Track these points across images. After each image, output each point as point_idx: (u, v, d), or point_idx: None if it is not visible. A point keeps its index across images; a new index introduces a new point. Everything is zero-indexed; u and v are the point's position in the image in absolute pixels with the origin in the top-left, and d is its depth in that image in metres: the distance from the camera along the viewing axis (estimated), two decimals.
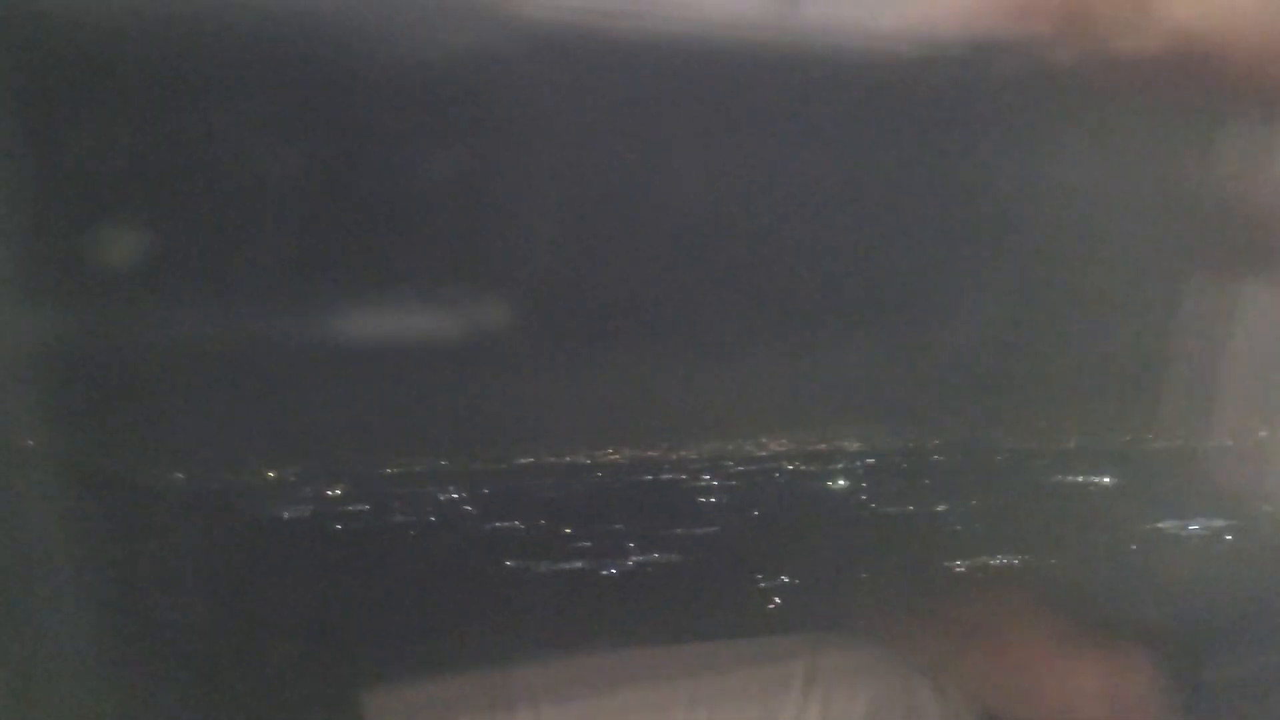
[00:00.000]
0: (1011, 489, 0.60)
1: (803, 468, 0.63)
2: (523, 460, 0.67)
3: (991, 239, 0.63)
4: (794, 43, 0.57)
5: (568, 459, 0.71)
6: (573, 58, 0.54)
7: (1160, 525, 0.59)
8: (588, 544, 0.52)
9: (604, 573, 0.50)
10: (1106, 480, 0.61)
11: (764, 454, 0.74)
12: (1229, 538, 0.57)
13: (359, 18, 0.50)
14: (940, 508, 0.59)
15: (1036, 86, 0.57)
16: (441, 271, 0.57)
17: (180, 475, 0.55)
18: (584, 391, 0.64)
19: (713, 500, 0.56)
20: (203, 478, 0.54)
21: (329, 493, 0.52)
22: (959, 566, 0.57)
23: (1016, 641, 0.53)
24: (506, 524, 0.52)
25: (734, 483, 0.61)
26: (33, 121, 0.48)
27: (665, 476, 0.63)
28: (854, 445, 0.71)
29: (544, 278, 0.59)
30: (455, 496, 0.54)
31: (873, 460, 0.64)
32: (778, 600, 0.53)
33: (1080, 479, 0.61)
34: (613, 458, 0.71)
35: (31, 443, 0.51)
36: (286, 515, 0.51)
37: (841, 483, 0.59)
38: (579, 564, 0.50)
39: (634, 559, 0.53)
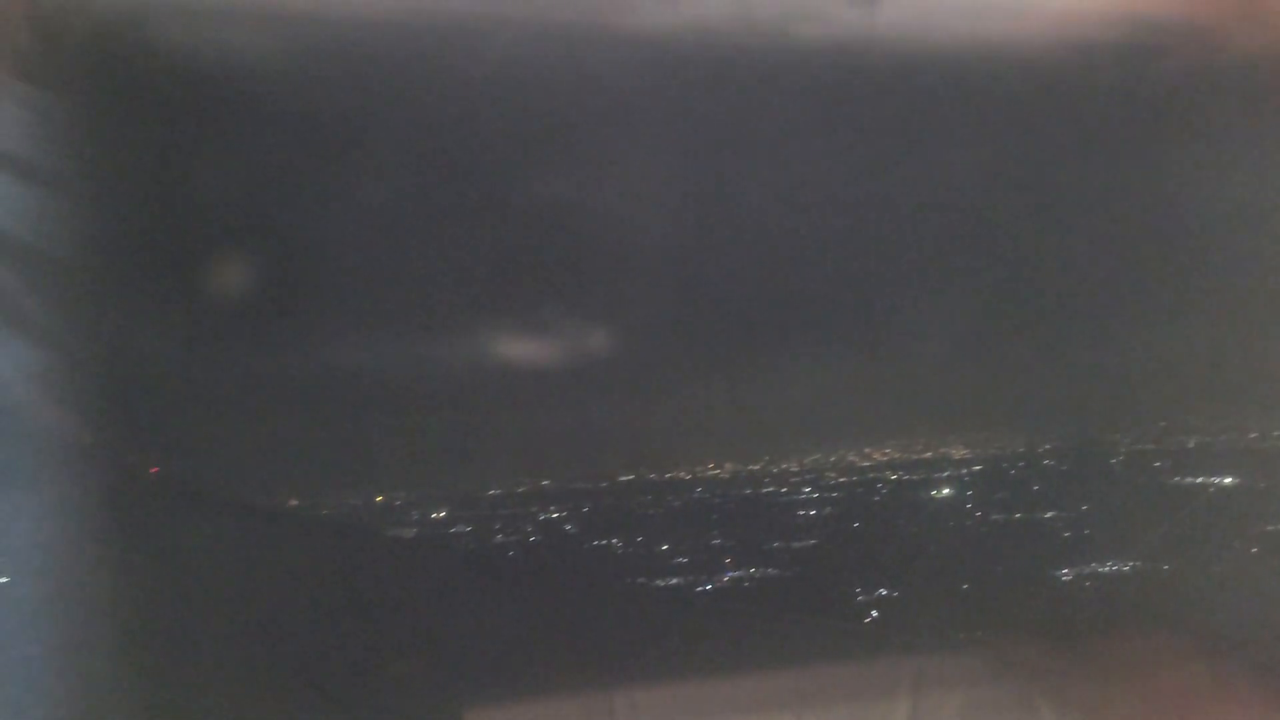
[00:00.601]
0: (1127, 492, 0.58)
1: (906, 477, 0.62)
2: (624, 478, 0.67)
3: (1123, 241, 0.61)
4: (926, 52, 0.56)
5: (668, 475, 0.71)
6: (679, 79, 0.54)
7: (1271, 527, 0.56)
8: (684, 560, 0.52)
9: (699, 589, 0.50)
10: (1228, 480, 0.58)
11: (867, 464, 0.73)
12: None
13: (467, 51, 0.50)
14: (1049, 514, 0.57)
15: (1202, 88, 0.55)
16: (545, 298, 0.58)
17: (294, 500, 0.57)
18: (685, 408, 0.64)
19: (812, 513, 0.55)
20: (316, 503, 0.56)
21: (434, 515, 0.54)
22: (1065, 575, 0.55)
23: (1128, 654, 0.51)
24: (605, 542, 0.52)
25: (835, 494, 0.60)
26: (170, 158, 0.50)
27: (766, 490, 0.62)
28: (960, 452, 0.69)
29: (646, 299, 0.59)
30: (556, 516, 0.54)
31: (980, 467, 0.62)
32: (875, 613, 0.52)
33: (1200, 480, 0.58)
34: (714, 472, 0.71)
35: (156, 470, 0.53)
36: (392, 537, 0.53)
37: (946, 491, 0.57)
38: (676, 580, 0.50)
39: (730, 574, 0.52)
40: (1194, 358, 0.62)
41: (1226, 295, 0.60)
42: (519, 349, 0.59)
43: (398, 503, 0.60)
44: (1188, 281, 0.62)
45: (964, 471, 0.65)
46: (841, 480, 0.65)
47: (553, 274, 0.59)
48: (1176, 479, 0.62)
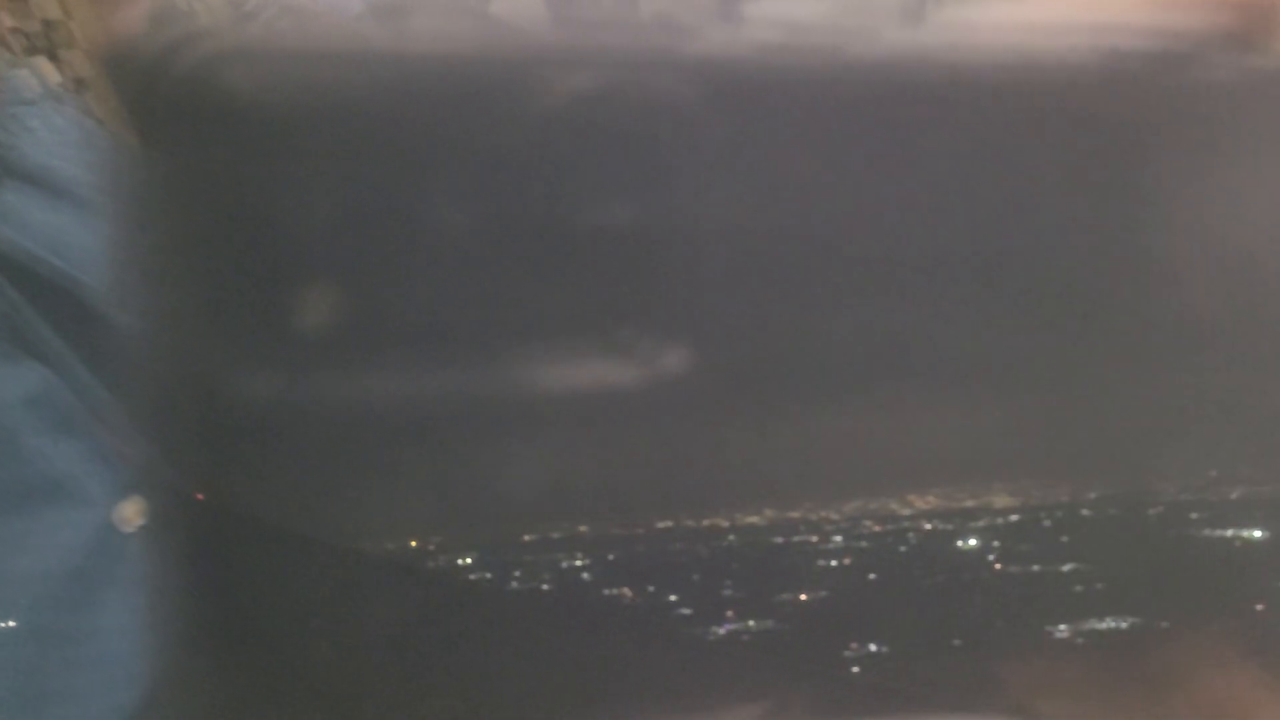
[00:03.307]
0: (1155, 545, 0.54)
1: (940, 527, 0.60)
2: (661, 524, 0.67)
3: (1186, 275, 0.58)
4: (973, 70, 0.55)
5: (705, 522, 0.71)
6: (738, 102, 0.56)
7: None
8: (688, 611, 0.52)
9: (692, 643, 0.50)
10: (1257, 534, 0.53)
11: (906, 512, 0.69)
12: None
13: (538, 81, 0.53)
14: (1067, 568, 0.54)
15: (1232, 100, 0.53)
16: (587, 338, 0.60)
17: (336, 535, 0.60)
18: (727, 453, 0.64)
19: (833, 563, 0.55)
20: (347, 545, 0.59)
21: (460, 560, 0.56)
22: (1062, 631, 0.52)
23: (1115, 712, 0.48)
24: (616, 592, 0.53)
25: (864, 544, 0.59)
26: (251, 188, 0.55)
27: (795, 539, 0.61)
28: (1004, 500, 0.65)
29: (692, 338, 0.60)
30: (576, 564, 0.56)
31: (1016, 517, 0.59)
32: (855, 669, 0.51)
33: (1229, 533, 0.54)
34: (750, 519, 0.70)
35: (202, 497, 0.58)
36: (412, 585, 0.55)
37: (973, 542, 0.55)
38: (672, 633, 0.51)
39: (728, 627, 0.52)
40: (1250, 402, 0.57)
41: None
42: (556, 390, 0.61)
43: (430, 548, 0.63)
44: (1245, 319, 0.57)
45: (999, 521, 0.62)
46: (875, 529, 0.63)
47: (612, 309, 0.60)
48: (1207, 532, 0.58)
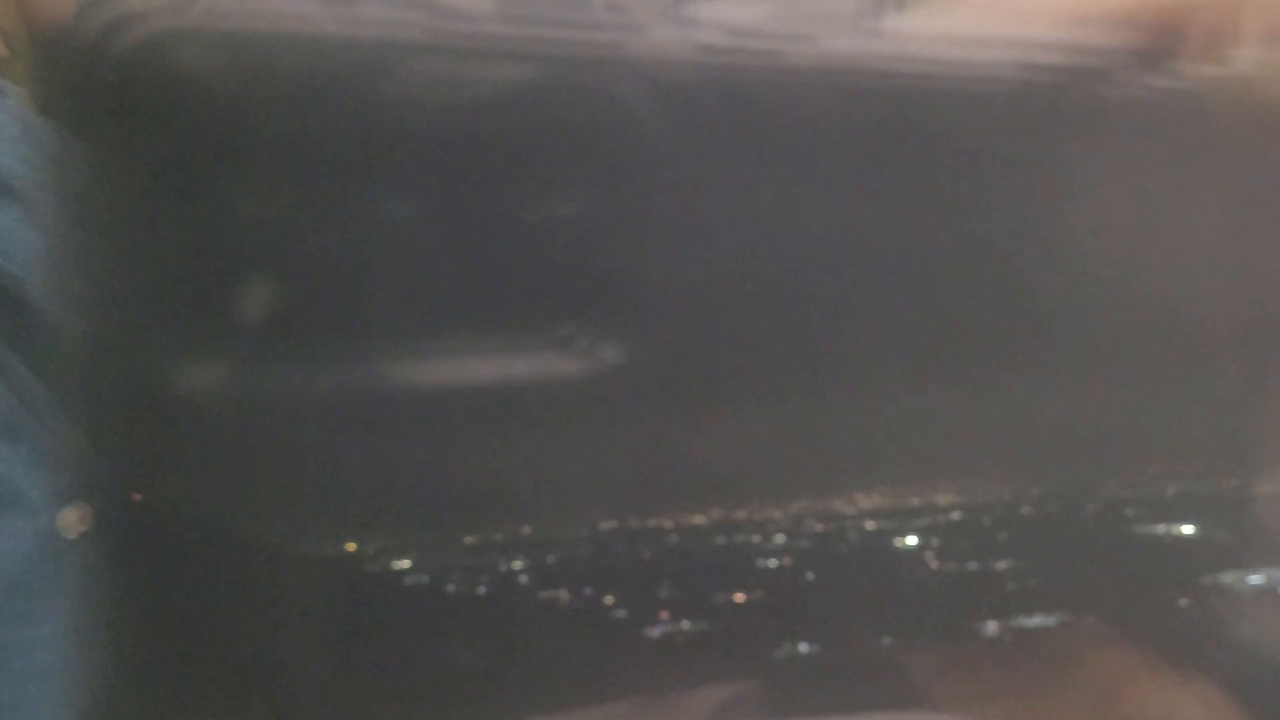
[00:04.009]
0: (1089, 542, 0.55)
1: (881, 526, 0.60)
2: (606, 526, 0.67)
3: (1124, 277, 0.59)
4: (927, 78, 0.56)
5: (650, 523, 0.70)
6: (684, 101, 0.56)
7: (1220, 578, 0.52)
8: (623, 614, 0.52)
9: (622, 645, 0.50)
10: (1186, 530, 0.54)
11: (850, 511, 0.70)
12: None
13: (485, 73, 0.53)
14: (1002, 565, 0.54)
15: (1151, 113, 0.54)
16: (528, 334, 0.59)
17: (275, 536, 0.59)
18: (672, 452, 0.64)
19: (772, 563, 0.55)
20: (286, 548, 0.58)
21: (395, 564, 0.55)
22: (989, 628, 0.52)
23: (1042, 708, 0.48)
24: (553, 594, 0.53)
25: (805, 543, 0.59)
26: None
27: (738, 539, 0.61)
28: (946, 499, 0.66)
29: (635, 336, 0.59)
30: (514, 567, 0.55)
31: (958, 515, 0.59)
32: (786, 670, 0.51)
33: (1161, 529, 0.54)
34: (696, 520, 0.70)
35: (139, 497, 0.56)
36: (349, 589, 0.55)
37: (912, 541, 0.55)
38: (605, 636, 0.50)
39: (661, 629, 0.52)
40: (1189, 400, 0.58)
41: (1218, 336, 0.56)
42: (500, 391, 0.61)
43: (370, 551, 0.62)
44: (1181, 321, 0.58)
45: (940, 519, 0.62)
46: (818, 529, 0.63)
47: (553, 305, 0.60)
48: (1140, 528, 0.58)
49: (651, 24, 0.52)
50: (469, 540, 0.62)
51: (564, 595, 0.55)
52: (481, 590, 0.55)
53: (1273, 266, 0.55)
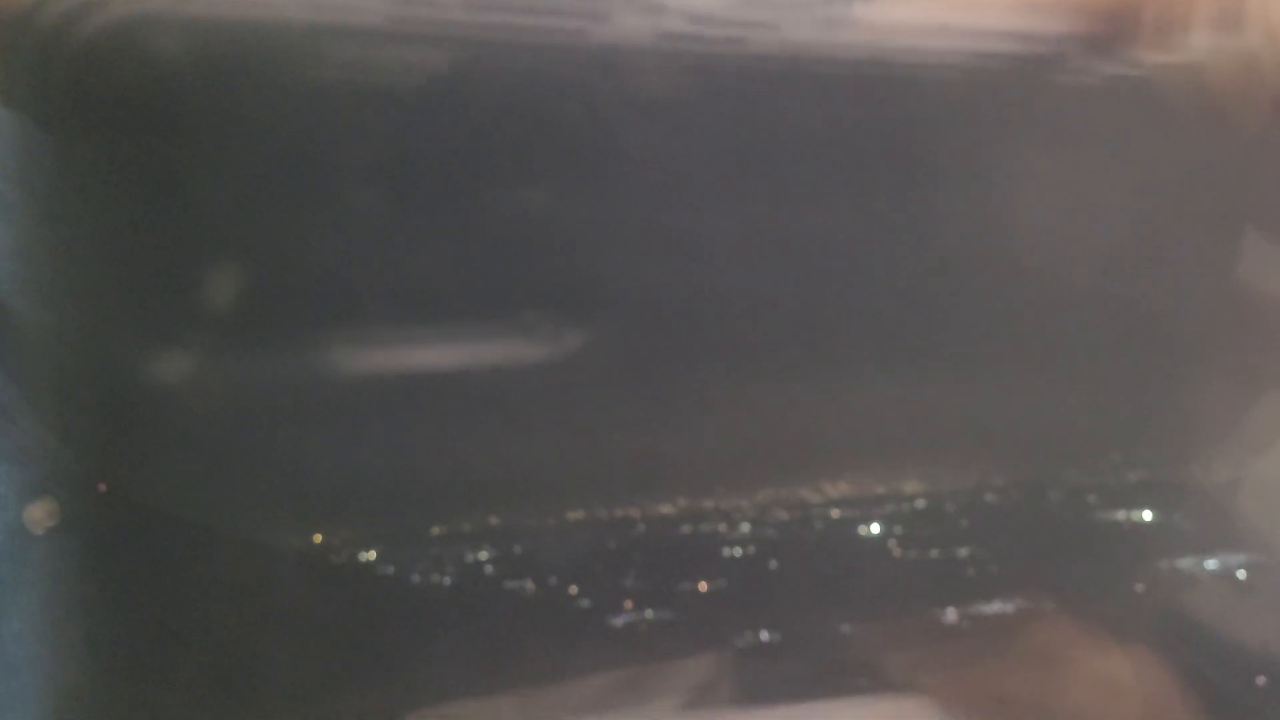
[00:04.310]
0: (1050, 529, 0.55)
1: (846, 514, 0.60)
2: (574, 515, 0.67)
3: (1070, 269, 0.59)
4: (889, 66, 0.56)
5: (618, 513, 0.70)
6: (648, 88, 0.56)
7: (1177, 564, 0.52)
8: (586, 603, 0.52)
9: (589, 629, 0.50)
10: (1146, 516, 0.54)
11: (816, 500, 0.70)
12: (1241, 575, 0.50)
13: (450, 60, 0.53)
14: (963, 552, 0.55)
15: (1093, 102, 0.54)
16: (493, 322, 0.59)
17: (242, 528, 0.59)
18: (641, 442, 0.64)
19: (736, 552, 0.55)
20: (253, 540, 0.58)
21: (363, 556, 0.55)
22: (948, 615, 0.52)
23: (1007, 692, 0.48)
24: (518, 584, 0.53)
25: (771, 532, 0.59)
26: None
27: (704, 528, 0.61)
28: (912, 487, 0.66)
29: (599, 324, 0.59)
30: (480, 557, 0.55)
31: (923, 503, 0.60)
32: (746, 658, 0.51)
33: (1120, 516, 0.55)
34: (664, 509, 0.70)
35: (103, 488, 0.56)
36: (315, 580, 0.55)
37: (875, 529, 0.56)
38: (568, 626, 0.50)
39: (623, 618, 0.52)
40: (1153, 387, 0.59)
41: (1176, 326, 0.57)
42: (471, 381, 0.61)
43: (336, 543, 0.62)
44: (1141, 312, 0.58)
45: (905, 507, 0.63)
46: (783, 517, 0.63)
47: (517, 292, 0.60)
48: (1100, 514, 0.59)
49: (616, 11, 0.52)
50: (436, 531, 0.62)
51: (529, 585, 0.55)
52: (447, 580, 0.55)
53: (1228, 255, 0.55)
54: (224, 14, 0.50)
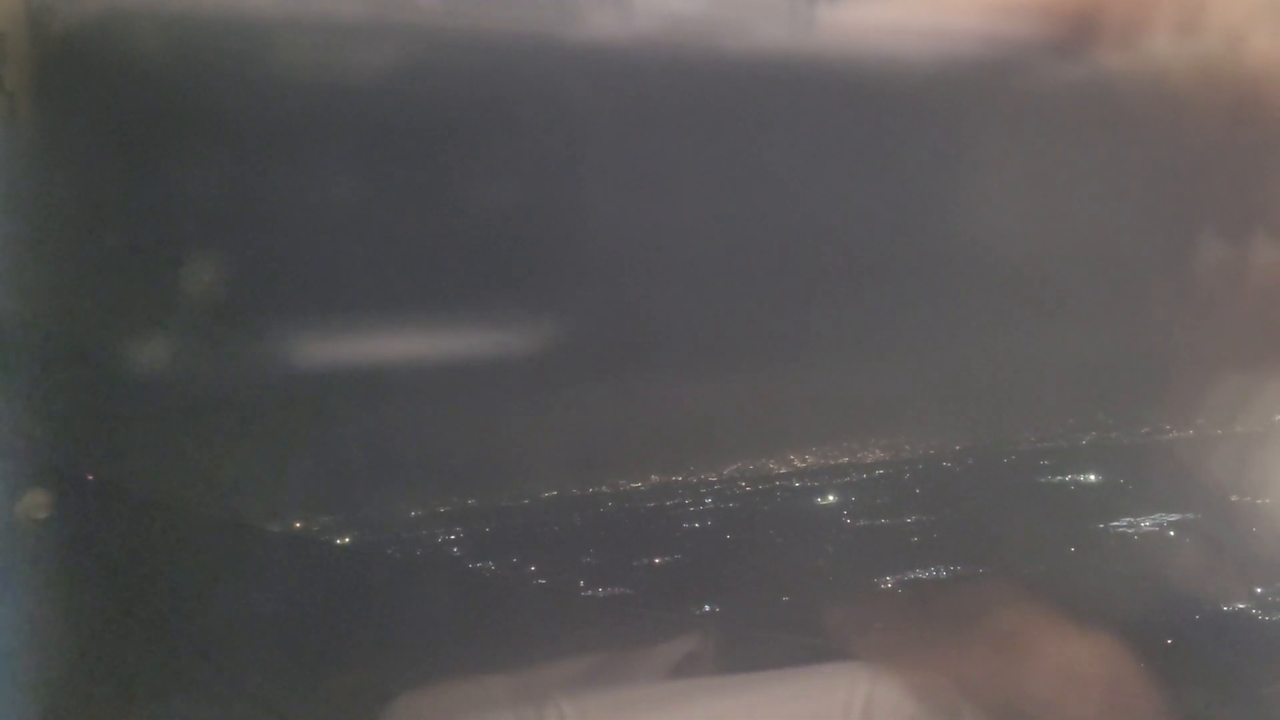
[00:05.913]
0: (999, 494, 0.55)
1: (807, 484, 0.60)
2: (546, 494, 0.68)
3: (1027, 246, 0.59)
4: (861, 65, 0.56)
5: (590, 490, 0.71)
6: (623, 87, 0.56)
7: (1114, 524, 0.51)
8: (544, 582, 0.53)
9: (545, 607, 0.51)
10: (1091, 478, 0.54)
11: (782, 472, 0.70)
12: (1173, 534, 0.49)
13: (427, 58, 0.54)
14: (910, 519, 0.55)
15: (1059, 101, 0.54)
16: (489, 305, 0.60)
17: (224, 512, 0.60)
18: (611, 420, 0.64)
19: (695, 526, 0.55)
20: (235, 524, 0.59)
21: (339, 540, 0.57)
22: (887, 582, 0.52)
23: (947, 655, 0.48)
24: (482, 564, 0.54)
25: (731, 505, 0.60)
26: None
27: (669, 503, 0.62)
28: (874, 456, 0.65)
29: (571, 310, 0.60)
30: (451, 538, 0.56)
31: (882, 471, 0.59)
32: (693, 629, 0.51)
33: (1067, 478, 0.54)
34: (634, 486, 0.70)
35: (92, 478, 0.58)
36: (292, 566, 0.56)
37: (831, 498, 0.56)
38: (526, 603, 0.51)
39: (581, 595, 0.53)
40: (1103, 352, 0.57)
41: (1133, 293, 0.56)
42: (441, 369, 0.61)
43: (315, 529, 0.63)
44: (1100, 279, 0.57)
45: (864, 476, 0.63)
46: (746, 489, 0.63)
47: (495, 280, 0.60)
48: (1048, 478, 0.58)
49: (591, 11, 0.52)
50: (414, 513, 0.64)
51: (491, 565, 0.56)
52: (416, 559, 0.57)
53: (1180, 235, 0.54)
54: (201, 8, 0.51)
